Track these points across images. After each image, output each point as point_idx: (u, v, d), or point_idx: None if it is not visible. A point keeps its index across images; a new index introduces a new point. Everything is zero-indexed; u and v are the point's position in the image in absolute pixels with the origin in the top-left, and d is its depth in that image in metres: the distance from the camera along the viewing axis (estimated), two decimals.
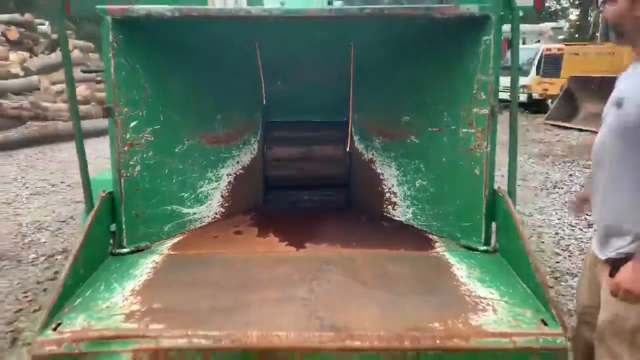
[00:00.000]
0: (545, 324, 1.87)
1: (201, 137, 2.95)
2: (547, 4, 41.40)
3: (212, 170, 3.02)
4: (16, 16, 17.28)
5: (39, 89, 12.99)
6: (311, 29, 2.56)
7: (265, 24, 2.42)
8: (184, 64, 2.76)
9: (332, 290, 2.17)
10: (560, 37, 28.61)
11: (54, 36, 17.03)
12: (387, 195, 3.06)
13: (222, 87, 2.97)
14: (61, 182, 7.57)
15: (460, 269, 2.34)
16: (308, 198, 3.49)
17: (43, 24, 18.11)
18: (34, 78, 13.04)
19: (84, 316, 1.95)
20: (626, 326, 1.93)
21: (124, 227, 2.53)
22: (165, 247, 2.61)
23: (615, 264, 1.93)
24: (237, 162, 3.18)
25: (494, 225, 2.52)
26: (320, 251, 2.61)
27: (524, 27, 25.53)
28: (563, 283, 4.00)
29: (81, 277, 2.20)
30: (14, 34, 15.13)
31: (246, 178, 3.21)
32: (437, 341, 1.82)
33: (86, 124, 12.67)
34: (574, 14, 40.42)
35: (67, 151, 10.45)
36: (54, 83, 14.12)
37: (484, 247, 2.51)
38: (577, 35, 33.98)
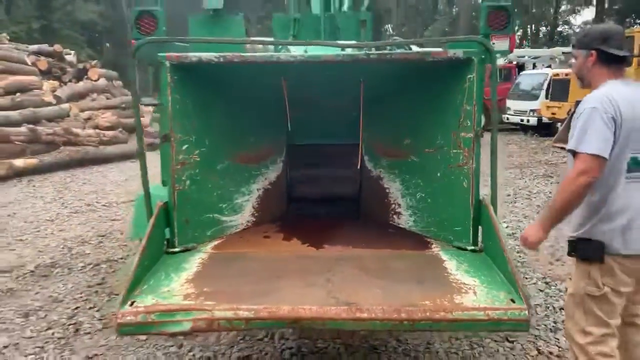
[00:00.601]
0: (514, 302, 2.39)
1: (236, 158, 3.53)
2: (559, 29, 42.10)
3: (245, 185, 3.60)
4: (44, 47, 18.28)
5: (69, 115, 13.77)
6: (328, 69, 3.15)
7: (291, 65, 3.01)
8: (224, 98, 3.35)
9: (345, 278, 2.71)
10: (572, 61, 29.14)
11: (80, 65, 17.98)
12: (393, 206, 3.61)
13: (254, 115, 3.55)
14: (96, 202, 8.21)
15: (451, 264, 2.88)
16: (324, 210, 4.04)
17: (69, 54, 19.07)
18: (65, 106, 13.83)
19: (151, 296, 2.52)
20: (580, 294, 2.48)
21: (176, 231, 3.10)
22: (208, 247, 3.18)
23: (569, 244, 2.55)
24: (265, 178, 3.76)
25: (480, 229, 3.05)
26: (335, 251, 3.16)
27: (535, 51, 26.10)
28: (552, 287, 4.48)
29: (145, 269, 2.76)
30: (44, 64, 16.01)
31: (273, 192, 3.78)
32: (427, 314, 2.35)
33: (114, 149, 13.44)
34: None
35: (97, 174, 11.15)
36: (82, 110, 14.89)
37: (472, 247, 3.04)
38: None
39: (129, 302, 2.45)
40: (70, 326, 3.83)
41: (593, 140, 2.32)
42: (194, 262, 2.96)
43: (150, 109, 21.72)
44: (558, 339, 3.51)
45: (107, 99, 17.11)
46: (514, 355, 3.36)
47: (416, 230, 3.44)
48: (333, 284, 2.65)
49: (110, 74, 18.81)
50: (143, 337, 3.59)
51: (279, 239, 3.41)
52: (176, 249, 3.10)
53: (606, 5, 33.82)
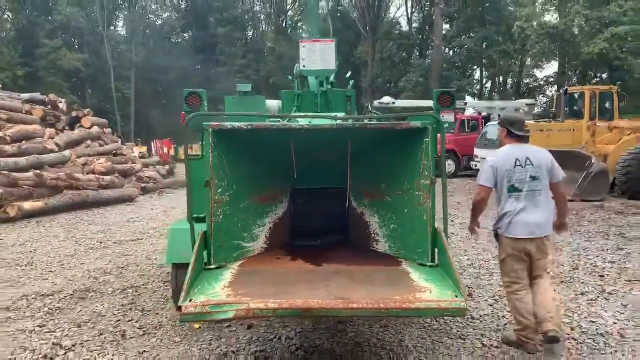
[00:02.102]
0: (457, 297, 3.51)
1: (255, 198, 4.64)
2: (526, 81, 44.72)
3: (260, 219, 4.70)
4: (36, 95, 19.34)
5: (69, 161, 14.76)
6: (325, 134, 4.33)
7: (299, 132, 4.19)
8: (248, 154, 4.47)
9: (339, 285, 3.81)
10: (536, 111, 31.18)
11: (73, 114, 19.03)
12: (373, 235, 4.74)
13: (268, 167, 4.69)
14: (107, 240, 9.18)
15: (415, 275, 3.99)
16: (320, 240, 5.14)
17: (61, 102, 20.12)
18: (67, 152, 14.82)
19: (203, 297, 3.57)
20: (500, 261, 3.84)
21: (212, 252, 4.17)
22: (235, 266, 4.25)
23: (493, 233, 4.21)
24: (275, 214, 4.87)
25: (437, 250, 4.18)
26: (330, 268, 4.27)
27: (502, 103, 28.05)
28: (500, 303, 5.60)
29: (194, 279, 3.82)
30: (39, 112, 17.02)
31: (280, 225, 4.89)
32: (398, 304, 3.45)
33: (112, 193, 14.39)
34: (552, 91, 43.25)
35: (100, 215, 12.09)
36: (78, 156, 15.89)
37: (430, 263, 4.16)
38: (552, 110, 36.88)
39: (188, 300, 3.51)
40: (118, 333, 4.81)
41: (482, 178, 4.34)
42: (226, 275, 4.02)
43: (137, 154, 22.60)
44: (499, 337, 4.60)
45: (100, 145, 18.15)
46: (464, 347, 4.44)
47: (390, 252, 4.56)
48: (331, 287, 3.75)
49: (101, 122, 19.88)
50: (178, 339, 4.60)
51: (287, 260, 4.51)
52: (212, 267, 4.16)
53: (566, 60, 36.19)
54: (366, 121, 4.43)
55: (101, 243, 9.00)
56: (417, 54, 49.30)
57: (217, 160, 4.17)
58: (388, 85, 50.44)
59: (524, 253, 4.32)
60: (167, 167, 24.36)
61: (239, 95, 5.13)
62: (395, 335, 4.64)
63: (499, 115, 23.58)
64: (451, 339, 4.61)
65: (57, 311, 5.46)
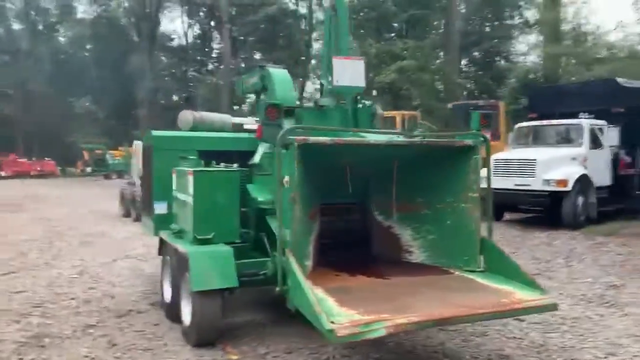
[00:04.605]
0: (543, 295, 3.97)
1: (309, 214, 4.47)
2: None
3: (310, 236, 4.54)
4: None
5: None
6: (383, 150, 4.45)
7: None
8: (308, 169, 4.28)
9: (436, 294, 3.98)
10: None
11: None
12: (405, 247, 4.96)
13: (320, 182, 4.54)
14: None
15: (482, 280, 4.33)
16: (338, 254, 5.12)
17: None
18: None
19: (339, 317, 3.42)
20: None
21: None
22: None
23: None
24: (315, 231, 4.74)
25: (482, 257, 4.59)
26: (397, 280, 4.40)
27: None
28: None
29: (321, 300, 3.61)
30: None
31: (316, 242, 4.77)
32: (508, 307, 3.78)
33: None
34: None
35: None
36: None
37: (480, 269, 4.56)
38: None
39: (329, 322, 3.34)
40: None
41: None
42: (319, 294, 3.84)
43: None
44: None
45: None
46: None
47: (428, 262, 4.84)
48: (436, 298, 3.90)
49: None
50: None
51: (346, 276, 4.48)
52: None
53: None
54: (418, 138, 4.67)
55: None
56: (205, 69, 49.36)
57: (298, 174, 3.99)
58: (179, 98, 49.41)
59: None
60: None
61: (316, 108, 4.93)
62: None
63: None
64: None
65: None
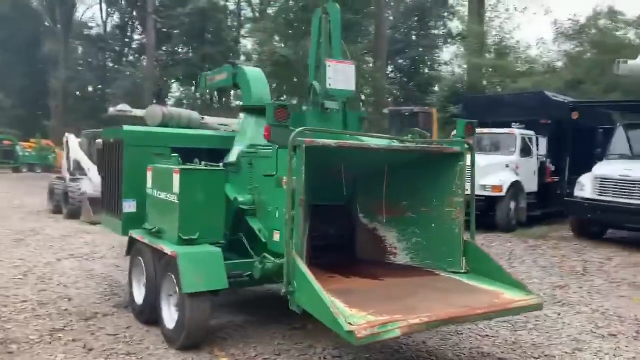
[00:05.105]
0: (529, 295, 4.22)
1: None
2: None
3: (303, 237, 4.52)
4: None
5: None
6: (378, 155, 4.54)
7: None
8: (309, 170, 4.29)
9: (434, 295, 4.13)
10: None
11: None
12: (389, 249, 5.08)
13: (315, 183, 4.55)
14: None
15: (470, 282, 4.53)
16: (324, 256, 5.14)
17: None
18: None
19: (355, 319, 3.47)
20: None
21: None
22: None
23: None
24: (306, 232, 4.73)
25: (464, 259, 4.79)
26: (393, 281, 4.51)
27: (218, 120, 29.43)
28: None
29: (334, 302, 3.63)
30: None
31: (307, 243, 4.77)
32: (501, 307, 3.99)
33: None
34: None
35: None
36: None
37: (464, 271, 4.76)
38: None
39: (347, 323, 3.39)
40: None
41: None
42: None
43: None
44: None
45: None
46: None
47: (412, 264, 4.98)
48: (435, 299, 4.05)
49: None
50: None
51: (341, 277, 4.53)
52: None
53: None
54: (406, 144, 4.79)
55: None
56: (124, 59, 47.47)
57: (305, 177, 3.99)
58: (95, 89, 47.17)
59: None
60: None
61: (321, 110, 4.88)
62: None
63: None
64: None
65: None
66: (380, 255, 5.12)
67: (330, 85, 4.88)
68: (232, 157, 5.69)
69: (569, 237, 11.33)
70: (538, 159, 13.12)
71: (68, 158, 13.75)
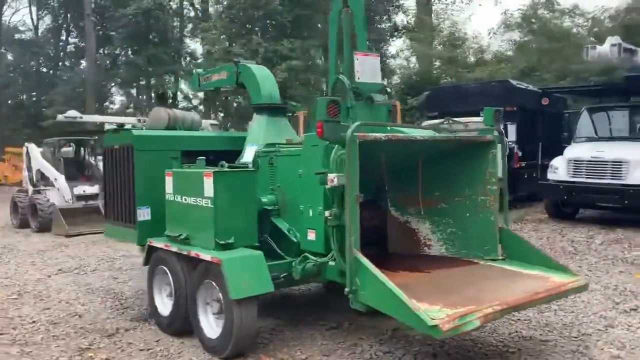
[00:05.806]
0: (576, 277, 4.31)
1: None
2: None
3: None
4: None
5: None
6: (419, 145, 4.52)
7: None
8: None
9: (494, 284, 4.15)
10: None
11: None
12: (423, 240, 5.06)
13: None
14: None
15: (510, 268, 4.57)
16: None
17: None
18: None
19: (433, 312, 3.43)
20: None
21: None
22: None
23: None
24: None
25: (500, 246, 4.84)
26: (440, 272, 4.49)
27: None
28: None
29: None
30: None
31: None
32: (558, 289, 4.05)
33: None
34: None
35: None
36: None
37: (500, 258, 4.80)
38: None
39: (429, 317, 3.35)
40: None
41: None
42: None
43: None
44: None
45: None
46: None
47: (447, 254, 4.99)
48: (494, 287, 4.07)
49: None
50: None
51: (389, 272, 4.41)
52: None
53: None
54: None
55: None
56: (60, 64, 45.34)
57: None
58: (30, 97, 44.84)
59: None
60: None
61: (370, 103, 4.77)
62: None
63: None
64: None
65: None
66: (414, 248, 5.09)
67: (358, 78, 4.80)
68: (247, 157, 5.53)
69: (544, 219, 11.74)
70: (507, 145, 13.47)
71: (30, 169, 13.01)
